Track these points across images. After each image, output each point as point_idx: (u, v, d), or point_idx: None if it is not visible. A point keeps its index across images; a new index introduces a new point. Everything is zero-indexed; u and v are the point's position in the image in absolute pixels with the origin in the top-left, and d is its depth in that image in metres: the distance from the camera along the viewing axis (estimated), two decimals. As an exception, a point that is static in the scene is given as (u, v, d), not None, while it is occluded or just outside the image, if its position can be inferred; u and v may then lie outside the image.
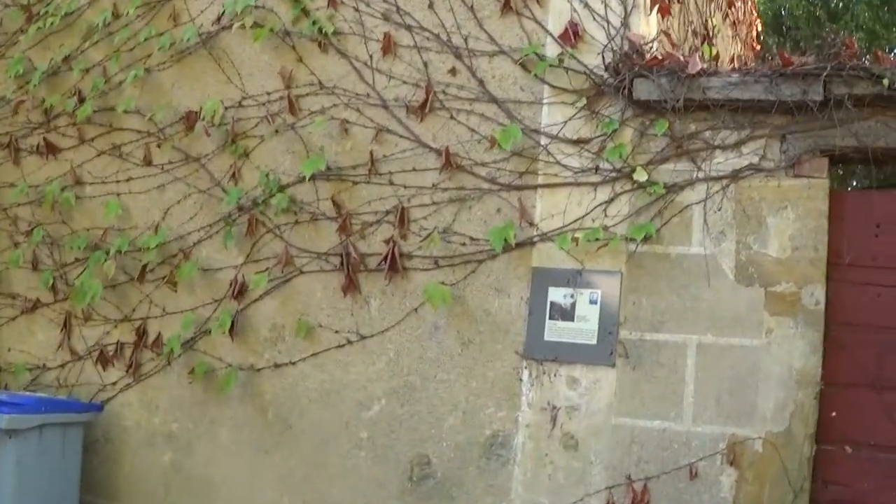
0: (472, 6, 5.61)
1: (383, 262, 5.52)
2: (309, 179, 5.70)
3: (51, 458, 5.57)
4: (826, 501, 4.95)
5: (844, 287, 5.09)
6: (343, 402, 5.63)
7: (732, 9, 8.48)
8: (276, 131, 5.84)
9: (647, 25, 5.46)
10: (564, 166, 5.33)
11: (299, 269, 5.80)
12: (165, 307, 6.15)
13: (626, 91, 5.20)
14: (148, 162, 6.31)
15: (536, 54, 5.39)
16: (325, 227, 5.76)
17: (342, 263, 5.63)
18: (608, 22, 5.37)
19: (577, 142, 5.34)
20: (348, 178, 5.75)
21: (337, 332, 5.69)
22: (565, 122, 5.39)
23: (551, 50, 5.41)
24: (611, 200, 5.11)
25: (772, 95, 5.00)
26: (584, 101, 5.15)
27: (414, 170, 5.59)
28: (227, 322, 5.79)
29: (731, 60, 8.48)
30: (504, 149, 5.38)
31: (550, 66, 5.38)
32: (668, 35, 5.63)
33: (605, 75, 5.28)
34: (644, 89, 5.17)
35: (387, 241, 5.53)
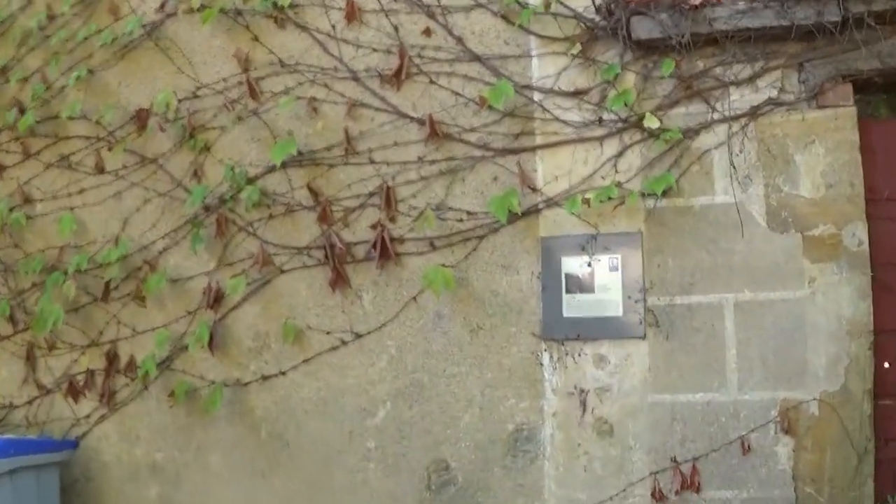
0: (440, -43, 4.63)
1: (372, 250, 4.86)
2: (280, 167, 5.00)
3: (25, 505, 4.51)
4: (889, 461, 4.45)
5: (885, 225, 4.55)
6: (343, 411, 4.96)
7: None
8: (238, 119, 5.16)
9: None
10: (564, 122, 4.73)
11: (279, 268, 5.10)
12: (135, 326, 5.39)
13: (623, 32, 4.59)
14: (100, 169, 5.52)
15: (518, 3, 4.76)
16: (303, 219, 5.07)
17: (326, 256, 4.96)
18: (594, -42, 4.41)
19: (575, 94, 4.75)
20: (323, 161, 5.07)
21: (328, 333, 5.01)
22: (559, 73, 4.78)
23: (534, -4, 4.47)
24: (620, 154, 4.46)
25: (785, 20, 4.43)
26: (578, 47, 4.54)
27: (395, 144, 4.94)
28: (205, 335, 5.06)
29: None
30: (495, 109, 4.73)
31: (535, 13, 4.77)
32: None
33: (598, 18, 4.68)
34: (643, 28, 4.57)
35: (374, 227, 4.86)
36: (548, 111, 4.65)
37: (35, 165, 5.70)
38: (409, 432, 4.82)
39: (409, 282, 4.63)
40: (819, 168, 4.44)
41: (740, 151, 4.52)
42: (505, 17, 4.84)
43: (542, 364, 4.47)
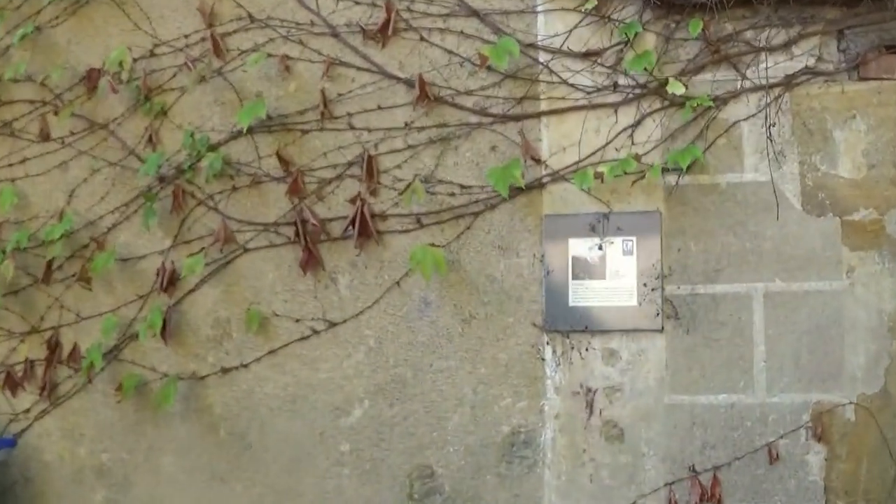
0: None
1: (350, 227, 4.17)
2: (246, 133, 4.30)
3: (-46, 513, 3.83)
4: None
5: None
6: (314, 410, 4.27)
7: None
8: (201, 79, 4.43)
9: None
10: (573, 86, 4.09)
11: (243, 247, 4.39)
12: (80, 311, 4.63)
13: (643, -14, 3.70)
14: (45, 136, 4.75)
15: (523, -49, 3.85)
16: (271, 191, 4.36)
17: (297, 234, 4.25)
18: None
19: (587, 55, 4.11)
20: (296, 126, 4.36)
21: (298, 320, 4.31)
22: (569, 31, 4.13)
23: (541, -58, 3.87)
24: (638, 123, 3.85)
25: (824, -20, 3.54)
26: (591, 2, 3.88)
27: (379, 108, 4.25)
28: (158, 321, 4.35)
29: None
30: (495, 70, 4.13)
31: (542, -37, 3.83)
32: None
33: (614, -30, 3.78)
34: (666, -18, 3.68)
35: (352, 201, 4.18)
36: (555, 74, 4.02)
37: (-29, 133, 4.61)
38: (390, 434, 4.15)
39: (392, 263, 3.92)
40: (860, 146, 3.87)
41: (773, 125, 3.91)
42: (507, -33, 3.92)
43: (543, 359, 3.79)
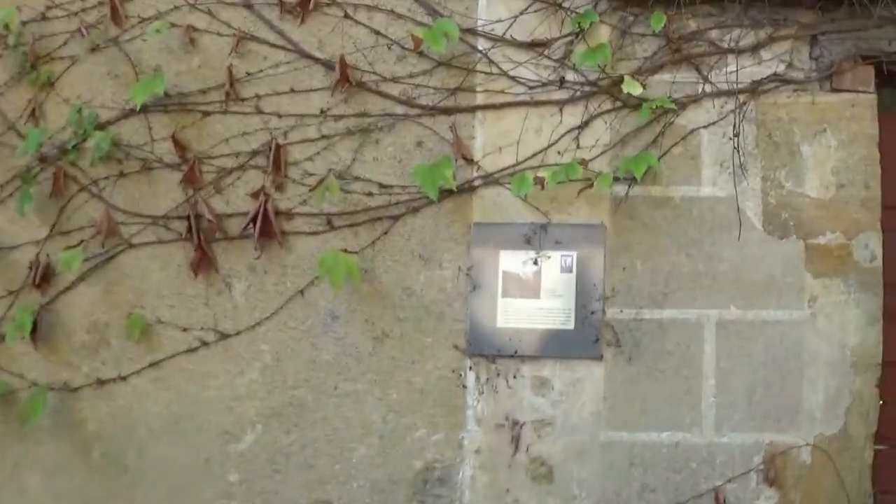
0: None
1: (251, 226, 3.55)
2: (140, 111, 3.64)
3: None
4: None
5: (893, 238, 3.51)
6: (201, 432, 3.60)
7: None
8: (94, 48, 3.60)
9: None
10: (514, 79, 3.56)
11: (127, 242, 3.70)
12: (-61, 307, 3.67)
13: (598, -27, 3.23)
14: (-86, 105, 3.80)
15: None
16: (163, 179, 3.70)
17: (190, 230, 3.61)
18: None
19: (532, 45, 3.58)
20: (196, 106, 3.70)
21: (186, 329, 3.64)
22: (513, 18, 3.59)
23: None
24: (585, 125, 3.27)
25: (797, -19, 3.13)
26: (540, -13, 3.15)
27: (292, 91, 3.64)
28: (28, 322, 3.65)
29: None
30: (427, 56, 3.59)
31: (485, -60, 3.33)
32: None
33: (566, -47, 3.30)
34: (624, -29, 3.22)
35: (255, 195, 3.57)
36: (495, 64, 3.48)
37: None
38: (285, 465, 3.53)
39: (296, 269, 3.30)
40: (830, 163, 3.43)
41: (736, 135, 3.44)
42: (446, -57, 3.41)
43: (464, 386, 3.20)
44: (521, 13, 3.46)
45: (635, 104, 3.30)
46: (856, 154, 3.30)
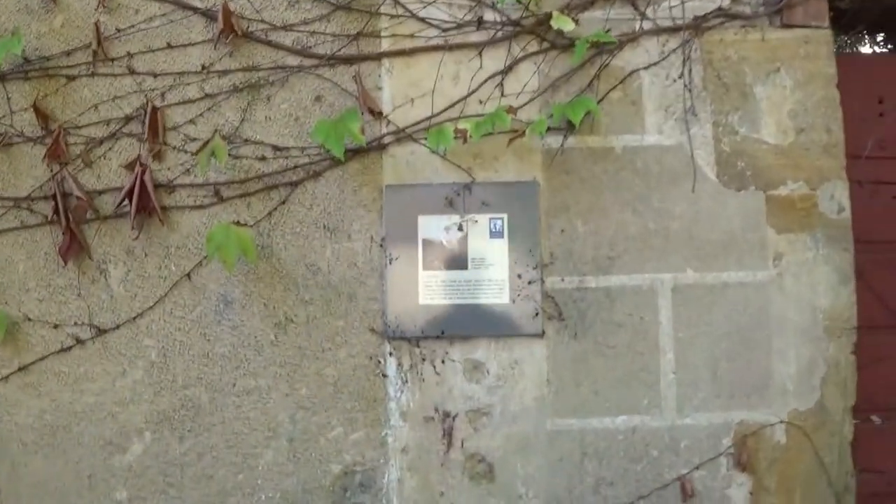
0: None
1: (126, 202, 2.93)
2: (-7, 78, 2.82)
3: None
4: (866, 496, 2.97)
5: (862, 191, 3.13)
6: (80, 445, 2.96)
7: None
8: None
9: None
10: (425, 21, 3.05)
11: (-16, 229, 2.85)
12: None
13: None
14: None
15: None
16: (24, 155, 3.06)
17: (57, 211, 2.97)
18: None
19: (445, -19, 2.66)
20: (60, 71, 3.08)
21: (57, 326, 2.99)
22: (421, -49, 2.66)
23: None
24: (509, 69, 2.66)
25: None
26: (449, -87, 2.61)
27: (169, 47, 3.04)
28: None
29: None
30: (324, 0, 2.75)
31: None
32: None
33: None
34: None
35: (130, 167, 2.95)
36: (401, 5, 2.90)
37: None
38: (180, 477, 2.91)
39: (182, 250, 2.65)
40: (786, 106, 2.97)
41: (680, 76, 2.95)
42: None
43: (385, 375, 2.57)
44: (431, -55, 2.81)
45: (565, 44, 2.79)
46: (814, 95, 2.82)
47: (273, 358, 2.75)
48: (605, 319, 2.70)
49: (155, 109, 2.88)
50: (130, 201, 2.81)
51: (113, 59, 2.97)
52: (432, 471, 2.69)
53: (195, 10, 2.91)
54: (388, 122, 2.79)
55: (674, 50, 2.83)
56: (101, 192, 2.86)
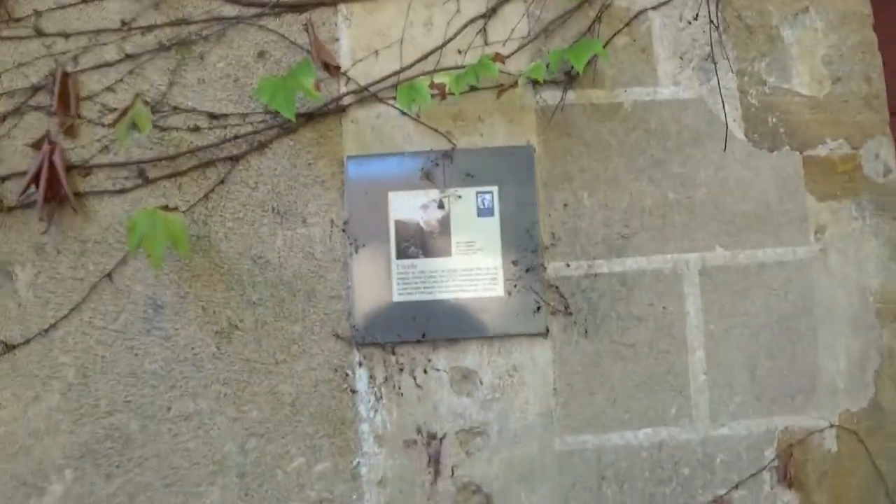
0: None
1: (33, 187, 1.96)
2: None
3: None
4: None
5: None
6: (-16, 487, 2.03)
7: None
8: None
9: None
10: (389, -43, 1.56)
11: None
12: None
13: None
14: None
15: None
16: None
17: (-55, 201, 2.06)
18: None
19: None
20: (-50, 33, 2.15)
21: (-50, 343, 2.05)
22: None
23: None
24: (492, 12, 1.49)
25: None
26: None
27: (83, 1, 2.05)
28: None
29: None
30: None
31: None
32: None
33: None
34: None
35: (36, 146, 1.98)
36: (360, -62, 1.67)
37: None
38: (107, 525, 1.99)
39: (101, 245, 1.58)
40: (819, 51, 2.09)
41: (695, 17, 2.05)
42: None
43: (354, 391, 1.52)
44: None
45: (566, -23, 1.74)
46: (848, 39, 1.89)
47: (215, 374, 1.71)
48: (622, 312, 1.70)
49: (66, 76, 1.92)
50: (37, 187, 1.73)
51: (17, 20, 2.05)
52: (417, 507, 1.67)
53: (109, -45, 1.83)
54: (348, 79, 1.77)
55: (687, -14, 1.81)
56: (3, 179, 1.76)
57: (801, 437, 1.95)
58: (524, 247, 1.91)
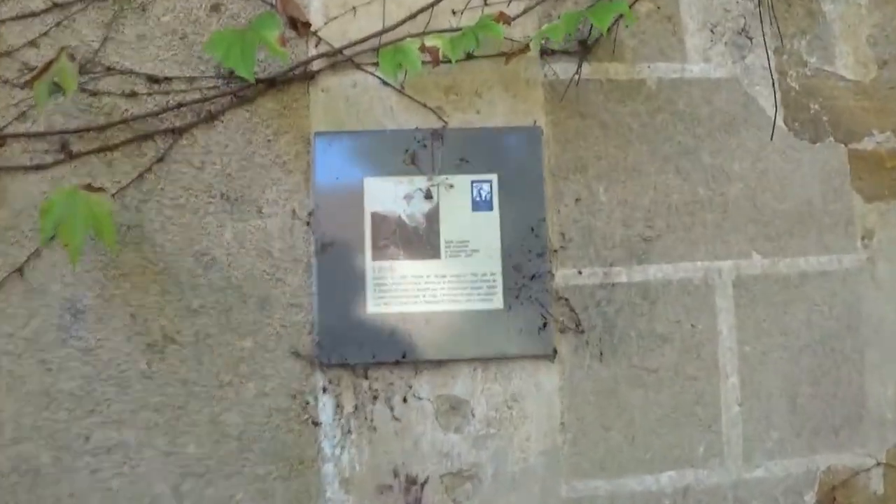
0: None
1: (-76, 164, 0.82)
2: None
3: None
4: None
5: None
6: None
7: None
8: None
9: None
10: None
11: None
12: None
13: None
14: None
15: None
16: None
17: None
18: None
19: None
20: None
21: None
22: None
23: None
24: None
25: None
26: None
27: (-6, -61, 0.91)
28: None
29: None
30: None
31: None
32: None
33: None
34: None
35: (-70, 114, 0.85)
36: None
37: None
38: (9, 580, 1.42)
39: (13, 232, 0.86)
40: (864, 30, 1.44)
41: (727, -18, 1.00)
42: None
43: (316, 423, 0.78)
44: None
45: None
46: (895, 19, 1.09)
47: (145, 397, 1.01)
48: (643, 330, 1.04)
49: (-32, 27, 1.13)
50: (-72, 162, 1.07)
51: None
52: (393, 574, 1.01)
53: None
54: (319, 40, 1.08)
55: (718, -51, 1.14)
56: None
57: (844, 478, 1.34)
58: (528, 249, 1.26)
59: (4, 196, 1.38)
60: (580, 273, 1.31)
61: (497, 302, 1.29)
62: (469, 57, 1.33)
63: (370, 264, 1.28)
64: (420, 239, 1.32)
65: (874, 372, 1.43)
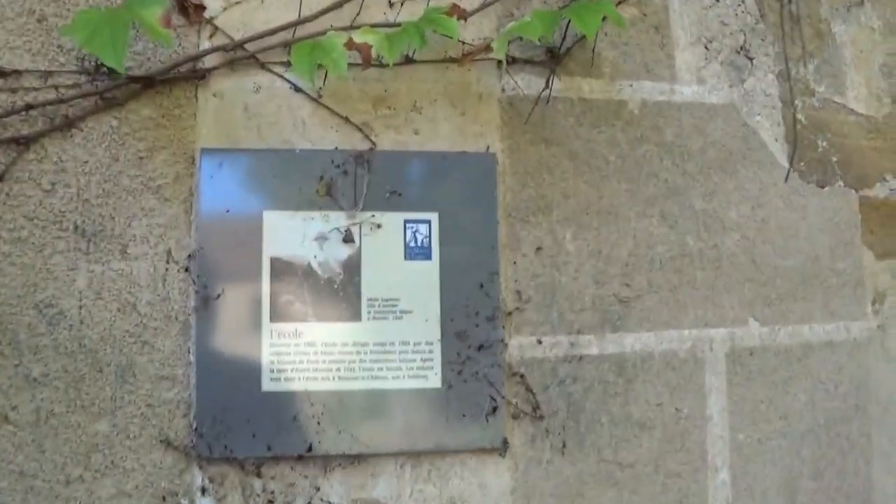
0: None
1: None
2: None
3: None
4: None
5: None
6: None
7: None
8: None
9: None
10: None
11: None
12: None
13: None
14: None
15: None
16: None
17: None
18: None
19: None
20: None
21: None
22: None
23: None
24: None
25: None
26: None
27: None
28: None
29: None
30: None
31: None
32: None
33: None
34: None
35: None
36: None
37: None
38: None
39: None
40: (878, 58, 1.05)
41: (725, -6, 0.57)
42: None
43: None
44: None
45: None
46: None
47: None
48: (617, 415, 0.66)
49: None
50: None
51: None
52: None
53: None
54: (216, 30, 0.64)
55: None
56: None
57: (845, 592, 0.99)
58: (475, 311, 0.88)
59: None
60: (540, 342, 0.92)
61: (433, 379, 0.87)
62: (407, 61, 0.94)
63: (267, 326, 0.86)
64: (335, 294, 0.91)
65: (882, 460, 1.09)
